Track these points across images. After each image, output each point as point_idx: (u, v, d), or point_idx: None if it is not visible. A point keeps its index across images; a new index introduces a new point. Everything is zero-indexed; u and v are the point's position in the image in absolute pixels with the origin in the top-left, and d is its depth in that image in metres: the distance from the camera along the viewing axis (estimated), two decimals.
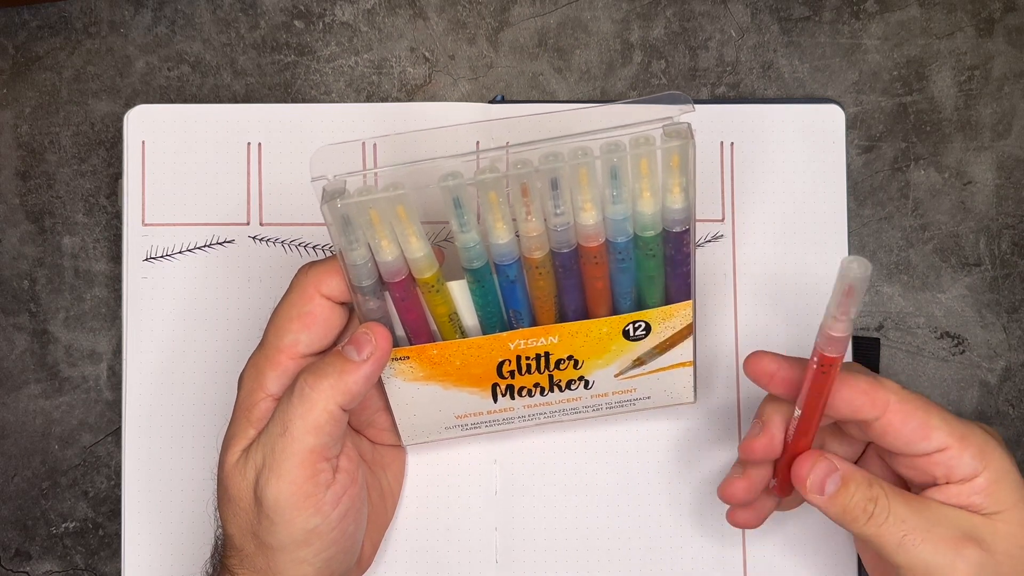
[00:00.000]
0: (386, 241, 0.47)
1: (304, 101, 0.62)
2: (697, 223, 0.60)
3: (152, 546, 0.59)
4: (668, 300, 0.51)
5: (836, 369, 0.47)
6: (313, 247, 0.60)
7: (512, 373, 0.52)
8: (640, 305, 0.51)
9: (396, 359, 0.51)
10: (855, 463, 0.52)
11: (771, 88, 0.62)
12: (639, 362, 0.53)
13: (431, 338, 0.51)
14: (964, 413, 0.62)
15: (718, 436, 0.60)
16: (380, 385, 0.53)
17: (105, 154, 0.62)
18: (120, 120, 0.61)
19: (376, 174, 0.47)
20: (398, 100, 0.62)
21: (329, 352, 0.49)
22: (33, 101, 0.62)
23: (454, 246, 0.49)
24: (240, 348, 0.59)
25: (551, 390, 0.54)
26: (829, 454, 0.50)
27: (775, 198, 0.61)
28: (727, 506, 0.54)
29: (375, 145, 0.59)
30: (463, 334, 0.51)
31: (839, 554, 0.59)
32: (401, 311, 0.50)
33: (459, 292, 0.50)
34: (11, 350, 0.61)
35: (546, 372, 0.53)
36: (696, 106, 0.59)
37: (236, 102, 0.62)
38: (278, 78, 0.62)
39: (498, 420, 0.55)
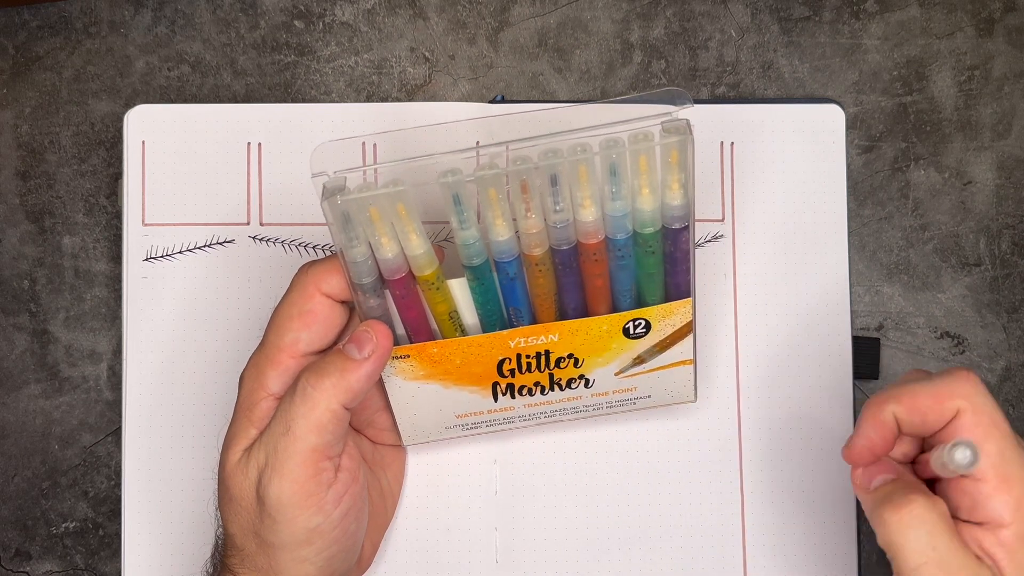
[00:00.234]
0: (386, 238, 0.47)
1: (304, 101, 0.62)
2: (697, 223, 0.60)
3: (152, 546, 0.59)
4: (668, 298, 0.51)
5: None
6: (313, 247, 0.60)
7: (512, 372, 0.52)
8: (640, 303, 0.51)
9: (396, 358, 0.51)
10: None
11: (771, 88, 0.62)
12: (639, 360, 0.53)
13: (431, 337, 0.51)
14: None
15: (718, 436, 0.60)
16: (380, 384, 0.53)
17: (105, 154, 0.62)
18: (120, 120, 0.61)
19: (376, 171, 0.47)
20: (398, 100, 0.62)
21: (330, 351, 0.49)
22: (33, 101, 0.62)
23: (454, 246, 0.49)
24: (240, 348, 0.59)
25: (551, 389, 0.54)
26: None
27: (775, 198, 0.61)
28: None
29: (375, 145, 0.59)
30: (463, 332, 0.51)
31: (839, 554, 0.59)
32: (401, 309, 0.50)
33: (459, 290, 0.50)
34: (11, 350, 0.61)
35: (546, 371, 0.53)
36: (696, 106, 0.59)
37: (236, 102, 0.62)
38: (278, 78, 0.62)
39: (498, 420, 0.55)
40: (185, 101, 0.62)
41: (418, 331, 0.51)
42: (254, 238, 0.60)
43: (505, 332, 0.51)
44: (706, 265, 0.60)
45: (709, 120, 0.61)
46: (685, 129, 0.46)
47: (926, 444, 0.49)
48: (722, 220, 0.61)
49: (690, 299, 0.51)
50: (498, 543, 0.59)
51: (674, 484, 0.59)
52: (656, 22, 0.62)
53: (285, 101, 0.62)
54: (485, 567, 0.59)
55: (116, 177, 0.62)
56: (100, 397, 0.61)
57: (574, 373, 0.53)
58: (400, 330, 0.51)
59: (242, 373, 0.51)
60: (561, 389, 0.54)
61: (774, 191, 0.61)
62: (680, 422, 0.60)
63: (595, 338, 0.52)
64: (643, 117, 0.46)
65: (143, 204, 0.60)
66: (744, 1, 0.62)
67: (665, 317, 0.51)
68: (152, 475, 0.59)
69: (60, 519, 0.61)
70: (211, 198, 0.60)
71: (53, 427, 0.61)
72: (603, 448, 0.59)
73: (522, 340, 0.51)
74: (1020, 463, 0.44)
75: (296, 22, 0.62)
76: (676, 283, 0.51)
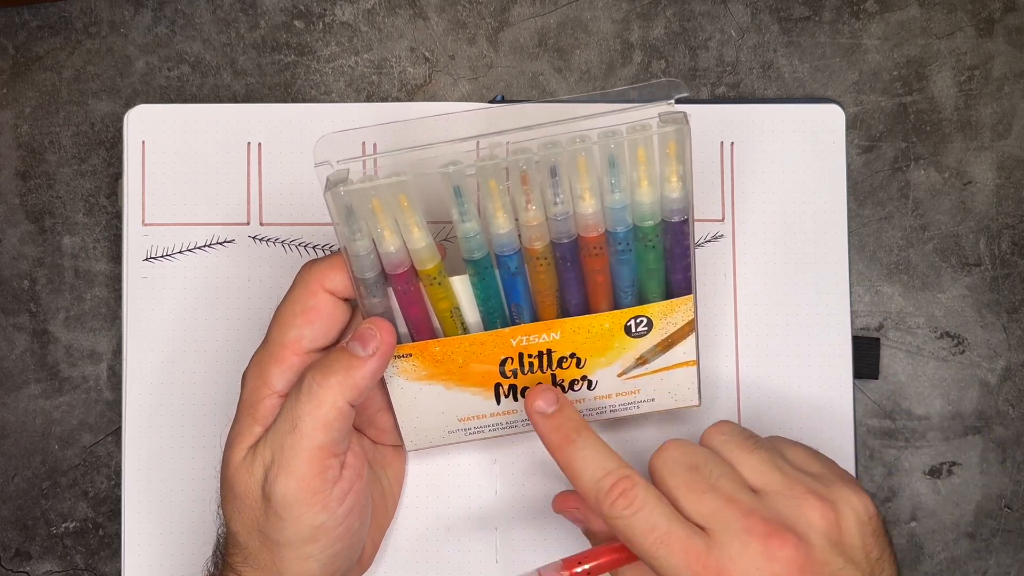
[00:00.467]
0: (388, 231, 0.47)
1: (304, 101, 0.62)
2: (697, 223, 0.60)
3: (152, 546, 0.59)
4: (669, 294, 0.51)
5: None
6: (313, 247, 0.60)
7: (515, 372, 0.52)
8: (641, 300, 0.51)
9: (399, 357, 0.51)
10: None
11: (771, 88, 0.62)
12: (642, 361, 0.53)
13: (433, 335, 0.51)
14: (964, 413, 0.62)
15: None
16: (381, 384, 0.53)
17: (105, 154, 0.62)
18: (120, 120, 0.61)
19: (376, 163, 0.47)
20: (398, 100, 0.62)
21: (334, 348, 0.49)
22: (33, 101, 0.62)
23: (455, 245, 0.49)
24: (240, 348, 0.59)
25: None
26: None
27: (775, 198, 0.61)
28: None
29: (375, 145, 0.59)
30: (465, 330, 0.51)
31: None
32: (403, 305, 0.50)
33: (461, 287, 0.50)
34: (11, 350, 0.61)
35: (549, 371, 0.52)
36: (696, 106, 0.59)
37: (236, 102, 0.62)
38: (278, 78, 0.62)
39: (501, 424, 0.55)
40: (185, 101, 0.62)
41: (420, 329, 0.51)
42: (254, 238, 0.60)
43: (507, 330, 0.51)
44: (706, 265, 0.60)
45: (709, 120, 0.61)
46: (682, 120, 0.46)
47: None
48: (722, 220, 0.61)
49: (691, 296, 0.51)
50: (498, 543, 0.59)
51: None
52: (656, 22, 0.62)
53: (285, 101, 0.62)
54: (485, 567, 0.59)
55: (116, 177, 0.62)
56: (100, 397, 0.61)
57: (577, 374, 0.53)
58: (402, 328, 0.51)
59: (245, 371, 0.51)
60: (564, 391, 0.54)
61: (774, 191, 0.61)
62: (679, 426, 0.59)
63: (597, 336, 0.52)
64: (641, 107, 0.46)
65: (143, 204, 0.60)
66: (744, 1, 0.62)
67: (667, 315, 0.51)
68: (152, 475, 0.59)
69: (60, 519, 0.61)
70: (211, 198, 0.60)
71: (53, 427, 0.61)
72: None
73: (524, 338, 0.51)
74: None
75: (296, 22, 0.62)
76: (677, 280, 0.51)
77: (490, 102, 0.61)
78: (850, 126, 0.62)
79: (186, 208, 0.60)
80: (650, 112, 0.46)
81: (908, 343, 0.62)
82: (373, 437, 0.56)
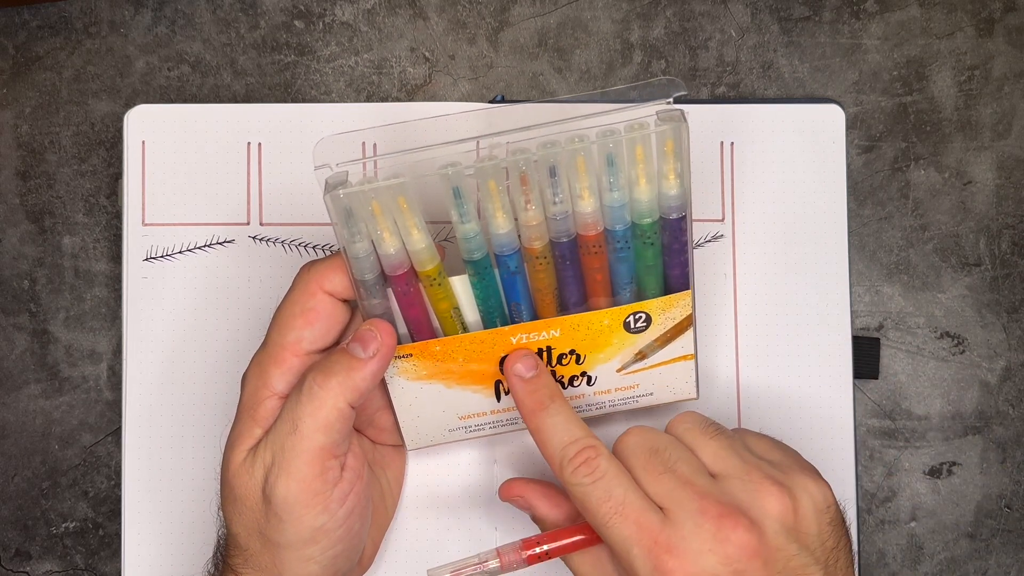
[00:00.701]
0: (388, 233, 0.47)
1: (304, 101, 0.62)
2: (697, 223, 0.60)
3: (152, 546, 0.59)
4: (667, 290, 0.51)
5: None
6: (313, 247, 0.60)
7: None
8: (640, 297, 0.51)
9: (399, 357, 0.51)
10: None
11: (771, 88, 0.62)
12: (641, 356, 0.53)
13: (433, 335, 0.51)
14: (964, 413, 0.62)
15: None
16: (381, 384, 0.53)
17: (105, 154, 0.62)
18: (120, 120, 0.61)
19: (376, 165, 0.47)
20: (398, 100, 0.62)
21: (334, 350, 0.49)
22: (33, 101, 0.62)
23: (454, 245, 0.49)
24: (240, 348, 0.59)
25: None
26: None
27: (775, 198, 0.61)
28: None
29: (375, 145, 0.59)
30: (465, 329, 0.51)
31: None
32: (403, 306, 0.50)
33: (460, 286, 0.50)
34: (11, 350, 0.61)
35: (548, 367, 0.53)
36: (696, 106, 0.59)
37: (236, 102, 0.62)
38: (278, 78, 0.62)
39: (502, 421, 0.55)
40: (185, 101, 0.62)
41: (420, 329, 0.51)
42: (254, 238, 0.60)
43: (507, 328, 0.51)
44: (706, 265, 0.60)
45: (709, 120, 0.61)
46: (680, 117, 0.46)
47: None
48: (722, 220, 0.61)
49: (689, 292, 0.51)
50: (498, 543, 0.59)
51: None
52: (656, 22, 0.62)
53: (285, 101, 0.62)
54: None
55: (116, 177, 0.62)
56: (100, 397, 0.61)
57: (576, 370, 0.53)
58: (402, 329, 0.51)
59: (245, 373, 0.51)
60: (564, 387, 0.54)
61: (774, 191, 0.61)
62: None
63: (596, 332, 0.52)
64: (639, 106, 0.46)
65: (143, 204, 0.60)
66: (744, 1, 0.62)
67: (665, 310, 0.51)
68: (152, 475, 0.59)
69: (60, 519, 0.61)
70: (211, 198, 0.60)
71: (53, 427, 0.61)
72: None
73: (524, 336, 0.51)
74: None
75: (296, 22, 0.62)
76: (675, 275, 0.51)
77: (490, 102, 0.61)
78: (850, 126, 0.62)
79: (186, 208, 0.60)
80: (648, 111, 0.46)
81: (908, 343, 0.62)
82: (373, 437, 0.56)
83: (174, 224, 0.60)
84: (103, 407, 0.61)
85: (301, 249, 0.60)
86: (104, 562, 0.61)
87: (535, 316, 0.51)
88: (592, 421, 0.59)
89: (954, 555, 0.62)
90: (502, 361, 0.52)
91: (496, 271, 0.50)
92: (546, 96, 0.62)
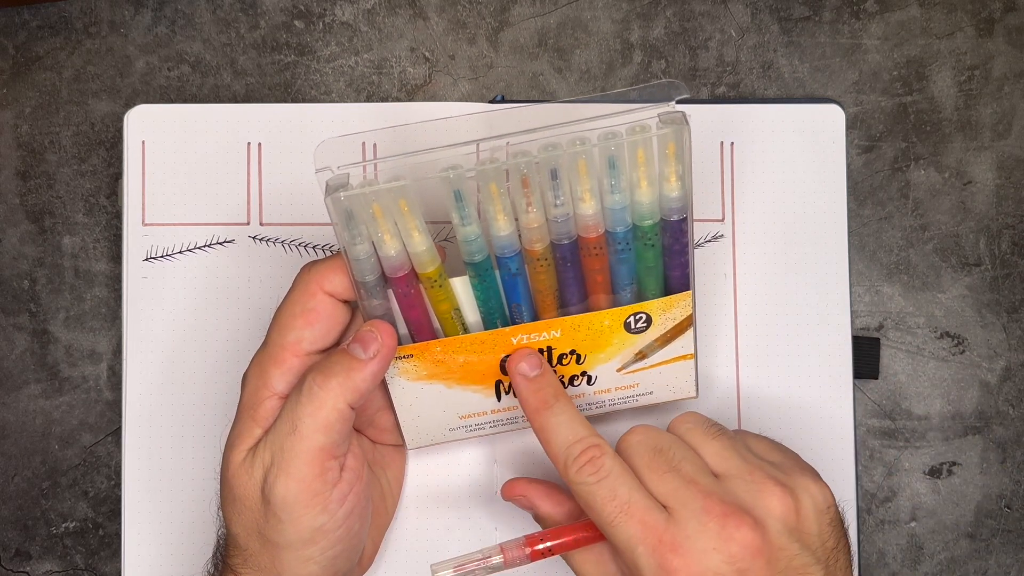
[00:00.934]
0: (388, 235, 0.47)
1: (304, 101, 0.62)
2: (697, 223, 0.60)
3: (152, 546, 0.59)
4: (668, 291, 0.51)
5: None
6: (313, 247, 0.60)
7: None
8: (640, 298, 0.51)
9: (400, 358, 0.51)
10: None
11: (771, 88, 0.62)
12: (641, 356, 0.53)
13: (434, 336, 0.51)
14: (964, 413, 0.62)
15: None
16: (382, 384, 0.53)
17: (105, 154, 0.62)
18: (120, 120, 0.61)
19: (376, 167, 0.47)
20: (398, 100, 0.62)
21: (335, 350, 0.49)
22: (33, 101, 0.62)
23: (454, 245, 0.49)
24: (240, 348, 0.59)
25: None
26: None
27: (775, 198, 0.61)
28: None
29: (375, 145, 0.59)
30: (466, 331, 0.51)
31: None
32: (404, 308, 0.50)
33: (461, 288, 0.50)
34: (11, 350, 0.61)
35: (547, 366, 0.53)
36: (696, 106, 0.59)
37: (236, 102, 0.62)
38: (278, 78, 0.62)
39: (502, 420, 0.55)
40: (185, 101, 0.62)
41: (421, 330, 0.51)
42: (254, 238, 0.60)
43: (507, 329, 0.51)
44: (706, 265, 0.60)
45: (709, 120, 0.61)
46: (681, 120, 0.46)
47: None
48: (722, 220, 0.61)
49: (690, 292, 0.51)
50: (498, 541, 0.59)
51: None
52: (656, 22, 0.62)
53: (285, 101, 0.62)
54: None
55: (116, 177, 0.62)
56: (100, 397, 0.61)
57: (576, 370, 0.53)
58: (403, 330, 0.51)
59: (245, 373, 0.51)
60: (564, 386, 0.54)
61: (774, 191, 0.61)
62: (676, 415, 0.59)
63: (597, 333, 0.52)
64: (641, 108, 0.46)
65: (143, 204, 0.60)
66: (744, 1, 0.62)
67: (666, 311, 0.52)
68: (152, 475, 0.59)
69: (60, 519, 0.61)
70: (211, 198, 0.60)
71: (53, 427, 0.61)
72: None
73: (524, 336, 0.51)
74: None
75: (296, 22, 0.62)
76: (676, 276, 0.51)
77: (490, 102, 0.61)
78: (850, 126, 0.62)
79: (186, 208, 0.60)
80: (650, 113, 0.46)
81: (908, 343, 0.62)
82: (373, 437, 0.56)
83: (174, 224, 0.60)
84: (103, 407, 0.61)
85: (301, 249, 0.60)
86: (104, 562, 0.61)
87: (536, 317, 0.51)
88: (592, 420, 0.59)
89: (954, 555, 0.62)
90: (503, 361, 0.52)
91: (497, 273, 0.50)
92: (546, 96, 0.62)
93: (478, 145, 0.47)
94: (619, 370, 0.54)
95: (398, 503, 0.59)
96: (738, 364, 0.60)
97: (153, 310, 0.59)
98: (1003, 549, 0.62)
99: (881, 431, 0.62)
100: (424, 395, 0.53)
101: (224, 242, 0.60)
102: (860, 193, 0.62)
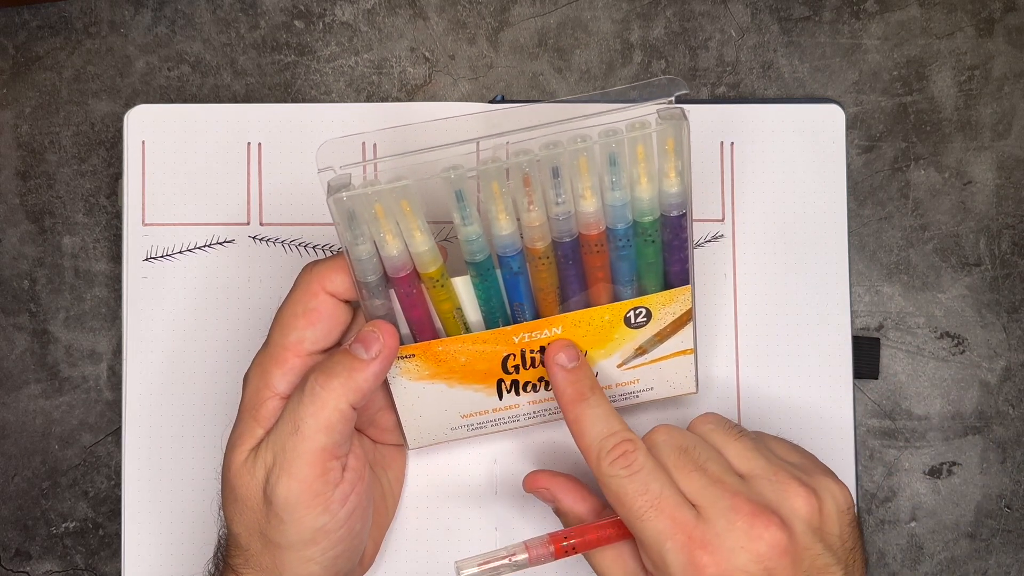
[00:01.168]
0: (390, 235, 0.47)
1: (304, 101, 0.62)
2: (697, 223, 0.60)
3: (152, 546, 0.59)
4: (668, 286, 0.51)
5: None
6: (313, 247, 0.60)
7: (517, 368, 0.52)
8: (641, 293, 0.51)
9: (402, 357, 0.51)
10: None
11: (771, 88, 0.62)
12: (641, 351, 0.53)
13: (435, 335, 0.51)
14: (964, 413, 0.62)
15: None
16: (383, 384, 0.53)
17: (105, 154, 0.62)
18: (120, 120, 0.61)
19: (376, 167, 0.47)
20: (398, 100, 0.62)
21: (336, 350, 0.49)
22: (33, 101, 0.62)
23: (456, 245, 0.49)
24: (240, 348, 0.59)
25: None
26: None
27: (775, 198, 0.61)
28: None
29: (375, 145, 0.59)
30: (467, 330, 0.51)
31: None
32: (406, 308, 0.50)
33: (463, 287, 0.50)
34: (11, 350, 0.61)
35: None
36: (696, 106, 0.59)
37: (236, 102, 0.62)
38: (278, 78, 0.62)
39: (504, 419, 0.55)
40: (185, 101, 0.62)
41: (422, 330, 0.51)
42: (254, 238, 0.60)
43: (509, 328, 0.51)
44: (706, 265, 0.60)
45: (709, 120, 0.61)
46: (680, 116, 0.46)
47: None
48: (722, 220, 0.61)
49: (689, 287, 0.51)
50: (498, 543, 0.59)
51: None
52: (656, 22, 0.62)
53: (285, 101, 0.62)
54: None
55: (116, 177, 0.62)
56: (100, 397, 0.61)
57: None
58: (404, 329, 0.51)
59: (246, 373, 0.51)
60: None
61: (774, 191, 0.61)
62: (680, 410, 0.60)
63: (597, 328, 0.52)
64: (639, 105, 0.46)
65: (143, 204, 0.60)
66: (744, 1, 0.62)
67: (665, 305, 0.52)
68: (152, 475, 0.59)
69: (60, 519, 0.61)
70: (211, 198, 0.60)
71: (53, 427, 0.61)
72: None
73: (526, 335, 0.51)
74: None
75: (296, 22, 0.62)
76: (675, 272, 0.51)
77: (490, 102, 0.61)
78: (850, 126, 0.62)
79: (186, 208, 0.60)
80: (649, 109, 0.46)
81: (908, 343, 0.62)
82: (374, 437, 0.56)
83: (174, 224, 0.60)
84: (103, 407, 0.61)
85: (301, 249, 0.60)
86: (104, 562, 0.61)
87: (537, 315, 0.51)
88: None
89: (954, 555, 0.62)
90: (504, 360, 0.52)
91: (498, 272, 0.50)
92: (546, 96, 0.62)
93: (478, 144, 0.47)
94: (619, 366, 0.54)
95: (399, 503, 0.59)
96: (738, 364, 0.60)
97: (153, 310, 0.59)
98: (1003, 549, 0.62)
99: (881, 431, 0.62)
100: (426, 395, 0.53)
101: (224, 242, 0.60)
102: (860, 193, 0.62)
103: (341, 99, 0.62)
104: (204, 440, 0.59)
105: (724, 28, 0.62)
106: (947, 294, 0.62)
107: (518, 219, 0.48)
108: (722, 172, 0.61)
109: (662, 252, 0.50)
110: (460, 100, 0.62)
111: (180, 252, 0.60)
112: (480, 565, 0.50)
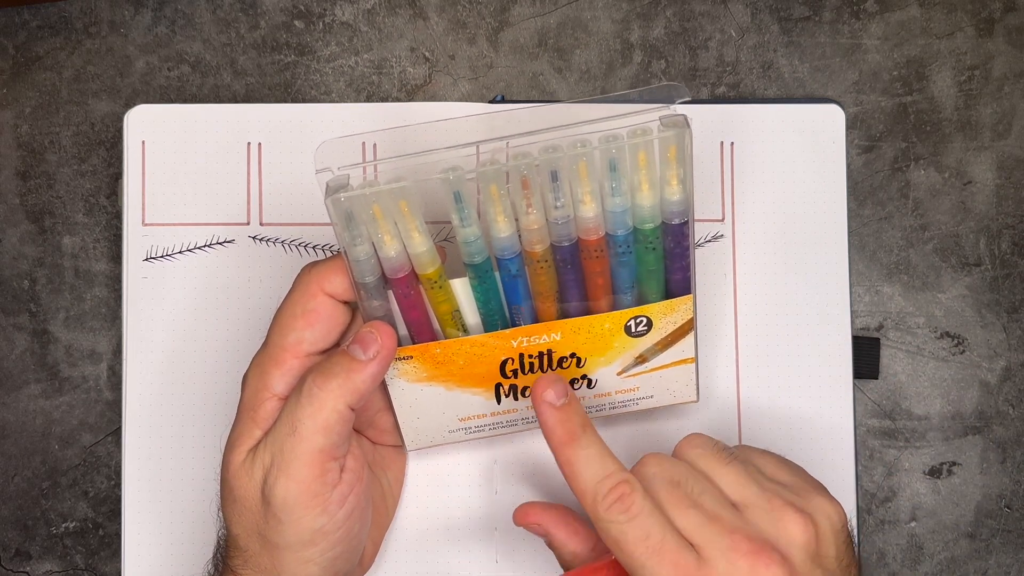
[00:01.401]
0: (389, 236, 0.47)
1: (304, 101, 0.62)
2: (697, 223, 0.60)
3: (152, 546, 0.59)
4: (669, 295, 0.51)
5: None
6: (313, 247, 0.60)
7: (515, 372, 0.52)
8: (641, 301, 0.51)
9: (400, 359, 0.51)
10: None
11: (771, 88, 0.62)
12: (641, 359, 0.53)
13: (434, 337, 0.51)
14: (964, 413, 0.62)
15: (718, 436, 0.59)
16: (381, 386, 0.53)
17: (105, 154, 0.62)
18: (120, 120, 0.61)
19: (376, 168, 0.47)
20: (398, 100, 0.62)
21: (335, 352, 0.49)
22: (33, 101, 0.62)
23: (454, 246, 0.49)
24: (240, 348, 0.59)
25: None
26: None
27: (775, 198, 0.61)
28: None
29: (375, 145, 0.59)
30: (466, 332, 0.51)
31: None
32: (404, 309, 0.50)
33: (461, 289, 0.50)
34: (11, 350, 0.61)
35: (549, 371, 0.53)
36: (696, 106, 0.59)
37: (236, 102, 0.62)
38: (278, 78, 0.62)
39: (502, 423, 0.55)
40: (185, 101, 0.62)
41: (420, 332, 0.51)
42: (254, 238, 0.60)
43: (508, 331, 0.51)
44: (706, 265, 0.60)
45: (709, 120, 0.61)
46: (683, 123, 0.46)
47: None
48: (722, 220, 0.61)
49: (691, 296, 0.51)
50: (498, 543, 0.59)
51: None
52: (656, 22, 0.62)
53: (285, 101, 0.62)
54: (485, 567, 0.59)
55: (116, 177, 0.62)
56: (100, 397, 0.61)
57: (577, 373, 0.53)
58: (403, 331, 0.51)
59: (245, 374, 0.51)
60: None
61: (774, 191, 0.61)
62: (680, 422, 0.60)
63: (597, 336, 0.52)
64: (642, 111, 0.46)
65: (143, 204, 0.60)
66: (744, 1, 0.62)
67: (666, 314, 0.51)
68: (152, 475, 0.59)
69: (60, 519, 0.61)
70: (211, 198, 0.60)
71: (53, 427, 0.61)
72: None
73: (525, 339, 0.51)
74: None
75: (296, 22, 0.62)
76: (677, 280, 0.51)
77: (490, 102, 0.61)
78: (850, 126, 0.62)
79: (186, 208, 0.60)
80: (651, 116, 0.46)
81: (908, 343, 0.62)
82: (373, 438, 0.56)
83: (174, 224, 0.60)
84: (103, 407, 0.61)
85: (301, 249, 0.60)
86: (104, 562, 0.61)
87: (536, 319, 0.51)
88: (593, 422, 0.59)
89: (954, 555, 0.62)
90: (503, 364, 0.52)
91: (497, 274, 0.50)
92: (546, 96, 0.62)
93: (478, 147, 0.47)
94: (619, 373, 0.54)
95: (398, 504, 0.59)
96: (738, 364, 0.60)
97: (153, 310, 0.59)
98: (1003, 549, 0.62)
99: (881, 431, 0.62)
100: (424, 397, 0.53)
101: (224, 242, 0.60)
102: (860, 193, 0.62)
103: (341, 99, 0.62)
104: (204, 440, 0.59)
105: (724, 28, 0.62)
106: (947, 294, 0.62)
107: (517, 222, 0.48)
108: (722, 172, 0.61)
109: (663, 259, 0.50)
110: (460, 100, 0.62)
111: (180, 252, 0.60)
112: None
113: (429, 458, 0.59)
